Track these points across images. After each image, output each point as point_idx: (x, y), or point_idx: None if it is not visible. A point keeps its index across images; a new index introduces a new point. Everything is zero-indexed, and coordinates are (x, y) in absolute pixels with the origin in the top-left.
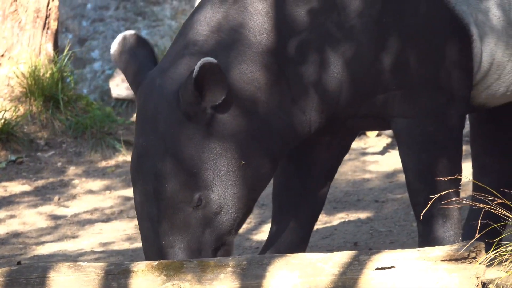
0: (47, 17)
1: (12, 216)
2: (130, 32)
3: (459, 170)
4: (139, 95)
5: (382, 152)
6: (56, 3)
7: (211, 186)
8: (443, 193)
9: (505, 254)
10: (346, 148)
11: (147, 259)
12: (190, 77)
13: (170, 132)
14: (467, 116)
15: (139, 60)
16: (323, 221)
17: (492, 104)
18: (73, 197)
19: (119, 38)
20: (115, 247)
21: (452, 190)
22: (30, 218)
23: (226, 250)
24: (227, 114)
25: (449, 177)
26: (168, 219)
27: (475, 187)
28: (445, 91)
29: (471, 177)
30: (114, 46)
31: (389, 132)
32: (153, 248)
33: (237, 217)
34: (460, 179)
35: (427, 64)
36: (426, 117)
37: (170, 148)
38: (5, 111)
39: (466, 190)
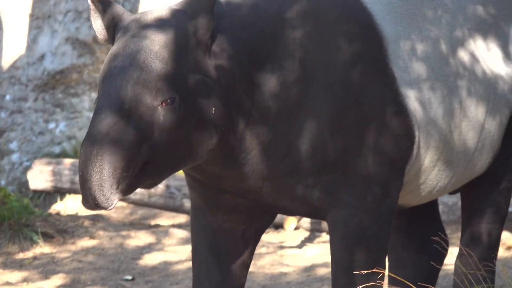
0: None
1: None
2: None
3: (384, 265)
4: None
5: (300, 246)
6: None
7: (188, 98)
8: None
9: None
10: (258, 239)
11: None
12: None
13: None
14: None
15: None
16: None
17: (410, 205)
18: None
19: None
20: None
21: (375, 284)
22: None
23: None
24: (216, 59)
25: (371, 271)
26: (137, 91)
27: (391, 281)
28: (382, 185)
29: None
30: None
31: (307, 225)
32: (112, 101)
33: (177, 150)
34: (383, 274)
35: (368, 156)
36: (363, 210)
37: (178, 41)
38: None
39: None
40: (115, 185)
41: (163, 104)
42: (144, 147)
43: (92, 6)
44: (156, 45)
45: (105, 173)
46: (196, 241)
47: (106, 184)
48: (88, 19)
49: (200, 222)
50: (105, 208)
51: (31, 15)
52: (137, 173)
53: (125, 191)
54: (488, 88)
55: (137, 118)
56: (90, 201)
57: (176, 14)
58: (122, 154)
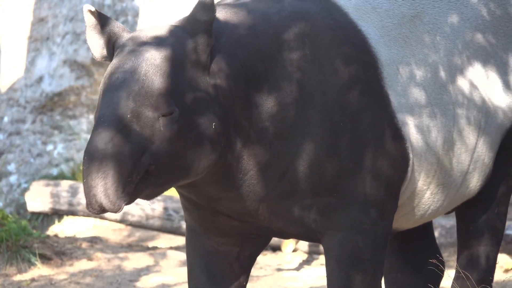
0: None
1: None
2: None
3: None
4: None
5: (298, 268)
6: None
7: (188, 113)
8: None
9: None
10: (253, 261)
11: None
12: None
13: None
14: None
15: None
16: None
17: (404, 228)
18: None
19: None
20: None
21: None
22: None
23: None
24: (215, 78)
25: None
26: (138, 103)
27: None
28: (378, 208)
29: None
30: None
31: (305, 248)
32: (113, 113)
33: (177, 162)
34: None
35: (363, 178)
36: (358, 232)
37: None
38: None
39: None
40: (120, 189)
41: (164, 116)
42: (145, 157)
43: (89, 23)
44: (157, 59)
45: (109, 179)
46: (192, 263)
47: (112, 190)
48: (87, 41)
49: (195, 245)
50: (114, 212)
51: (29, 37)
52: (139, 182)
53: (132, 194)
54: (480, 112)
55: (139, 129)
56: (97, 208)
57: (176, 31)
58: (125, 162)
